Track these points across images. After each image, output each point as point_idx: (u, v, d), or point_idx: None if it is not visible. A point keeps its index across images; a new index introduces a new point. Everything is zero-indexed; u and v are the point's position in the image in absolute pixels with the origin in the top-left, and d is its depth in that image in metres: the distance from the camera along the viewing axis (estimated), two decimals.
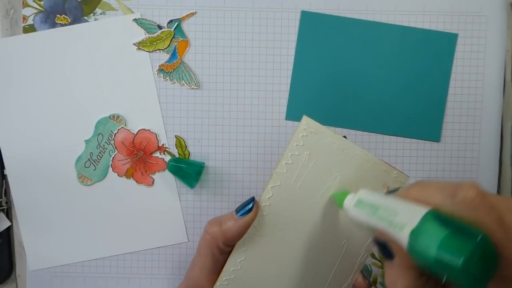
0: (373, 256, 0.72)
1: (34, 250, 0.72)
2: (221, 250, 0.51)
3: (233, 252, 0.51)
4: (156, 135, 0.70)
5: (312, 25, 0.70)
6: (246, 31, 0.71)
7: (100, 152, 0.70)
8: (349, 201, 0.45)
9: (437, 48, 0.70)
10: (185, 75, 0.70)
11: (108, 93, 0.70)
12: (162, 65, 0.70)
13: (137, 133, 0.70)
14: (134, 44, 0.70)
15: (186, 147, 0.71)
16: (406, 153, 0.71)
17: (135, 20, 0.70)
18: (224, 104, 0.71)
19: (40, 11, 0.69)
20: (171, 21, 0.70)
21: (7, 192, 0.72)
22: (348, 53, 0.70)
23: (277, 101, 0.71)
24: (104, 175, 0.71)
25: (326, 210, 0.50)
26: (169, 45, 0.70)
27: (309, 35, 0.70)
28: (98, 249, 0.72)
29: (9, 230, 0.72)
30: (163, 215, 0.72)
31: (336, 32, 0.70)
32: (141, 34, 0.70)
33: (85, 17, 0.70)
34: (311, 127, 0.49)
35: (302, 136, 0.49)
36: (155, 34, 0.70)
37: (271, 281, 0.52)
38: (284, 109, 0.71)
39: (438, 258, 0.30)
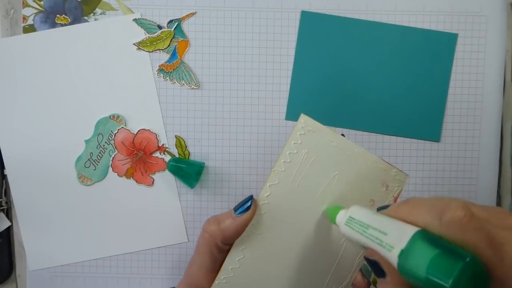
0: None
1: (34, 250, 0.72)
2: (219, 249, 0.51)
3: (231, 250, 0.51)
4: (156, 135, 0.71)
5: (312, 25, 0.70)
6: (246, 31, 0.71)
7: (100, 152, 0.70)
8: (341, 218, 0.45)
9: (437, 48, 0.70)
10: (185, 75, 0.70)
11: (108, 93, 0.70)
12: (162, 65, 0.70)
13: (137, 133, 0.70)
14: (134, 44, 0.70)
15: (186, 147, 0.71)
16: (406, 153, 0.71)
17: (135, 20, 0.70)
18: (224, 104, 0.71)
19: (40, 11, 0.69)
20: (171, 21, 0.70)
21: (7, 192, 0.72)
22: (348, 53, 0.70)
23: (277, 101, 0.71)
24: (104, 175, 0.71)
25: (324, 209, 0.50)
26: (169, 45, 0.70)
27: (309, 35, 0.70)
28: (98, 249, 0.72)
29: (9, 230, 0.72)
30: (163, 215, 0.72)
31: (336, 32, 0.70)
32: (141, 34, 0.70)
33: (85, 17, 0.70)
34: (309, 125, 0.49)
35: (300, 134, 0.49)
36: (155, 34, 0.70)
37: (270, 279, 0.52)
38: (284, 109, 0.71)
39: (428, 279, 0.30)
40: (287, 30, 0.71)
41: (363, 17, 0.70)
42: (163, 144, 0.71)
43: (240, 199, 0.70)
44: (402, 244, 0.33)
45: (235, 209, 0.50)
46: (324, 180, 0.50)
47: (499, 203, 0.72)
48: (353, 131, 0.71)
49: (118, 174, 0.71)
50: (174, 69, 0.70)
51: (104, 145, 0.70)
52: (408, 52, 0.70)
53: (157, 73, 0.70)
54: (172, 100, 0.71)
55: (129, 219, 0.71)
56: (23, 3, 0.69)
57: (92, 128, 0.70)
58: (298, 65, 0.70)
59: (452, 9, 0.70)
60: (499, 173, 0.72)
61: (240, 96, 0.71)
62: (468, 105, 0.71)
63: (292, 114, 0.71)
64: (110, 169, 0.71)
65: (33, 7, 0.69)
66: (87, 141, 0.70)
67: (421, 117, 0.71)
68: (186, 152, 0.71)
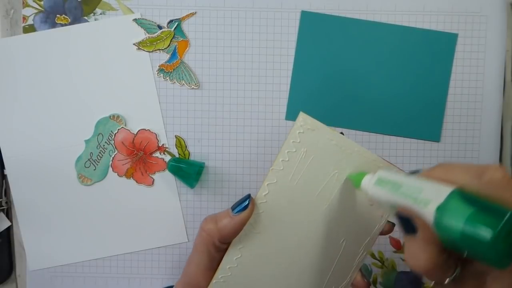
0: (372, 256, 0.72)
1: (34, 250, 0.72)
2: (217, 248, 0.51)
3: (229, 249, 0.51)
4: (156, 135, 0.71)
5: (312, 25, 0.70)
6: (246, 31, 0.71)
7: (100, 152, 0.70)
8: (369, 180, 0.44)
9: (437, 48, 0.70)
10: (185, 75, 0.70)
11: (108, 93, 0.70)
12: (162, 65, 0.70)
13: (137, 133, 0.70)
14: (134, 44, 0.70)
15: (186, 147, 0.71)
16: (406, 153, 0.71)
17: (135, 20, 0.70)
18: (224, 104, 0.71)
19: (40, 11, 0.70)
20: (171, 21, 0.70)
21: (7, 192, 0.72)
22: (348, 53, 0.70)
23: (277, 101, 0.71)
24: (104, 175, 0.71)
25: (324, 208, 0.50)
26: (169, 45, 0.70)
27: (309, 35, 0.70)
28: (98, 249, 0.72)
29: (9, 230, 0.72)
30: (163, 215, 0.72)
31: (336, 32, 0.70)
32: (141, 34, 0.70)
33: (85, 17, 0.70)
34: (308, 124, 0.49)
35: (299, 132, 0.49)
36: (155, 34, 0.70)
37: (268, 278, 0.51)
38: (284, 109, 0.71)
39: (466, 233, 0.30)
40: (287, 30, 0.71)
41: (363, 17, 0.70)
42: (163, 144, 0.71)
43: None
44: (439, 199, 0.33)
45: (233, 208, 0.50)
46: (323, 179, 0.50)
47: None
48: (353, 131, 0.71)
49: (118, 174, 0.71)
50: (174, 69, 0.70)
51: (104, 145, 0.70)
52: (408, 52, 0.70)
53: (157, 73, 0.70)
54: (172, 100, 0.71)
55: (129, 219, 0.71)
56: (23, 3, 0.69)
57: (92, 128, 0.70)
58: (298, 65, 0.70)
59: (452, 9, 0.70)
60: None
61: (240, 96, 0.71)
62: (468, 105, 0.71)
63: (292, 114, 0.71)
64: (110, 169, 0.71)
65: (33, 7, 0.70)
66: (87, 141, 0.70)
67: (421, 117, 0.70)
68: (186, 152, 0.71)
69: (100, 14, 0.70)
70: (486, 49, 0.70)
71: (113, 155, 0.70)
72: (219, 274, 0.51)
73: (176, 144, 0.71)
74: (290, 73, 0.71)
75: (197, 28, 0.70)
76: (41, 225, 0.71)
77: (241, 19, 0.70)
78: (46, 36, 0.70)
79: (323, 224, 0.50)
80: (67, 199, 0.71)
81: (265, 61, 0.71)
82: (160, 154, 0.71)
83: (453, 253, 0.34)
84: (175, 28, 0.70)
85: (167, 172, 0.71)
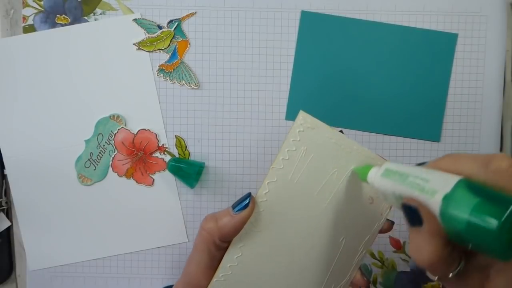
0: (372, 256, 0.72)
1: (34, 250, 0.72)
2: (217, 246, 0.51)
3: (229, 248, 0.51)
4: (156, 135, 0.71)
5: (312, 25, 0.70)
6: (246, 31, 0.71)
7: (100, 152, 0.70)
8: (375, 172, 0.44)
9: (437, 48, 0.70)
10: (185, 75, 0.70)
11: (108, 93, 0.70)
12: (162, 65, 0.70)
13: (137, 133, 0.70)
14: (134, 44, 0.70)
15: (186, 147, 0.71)
16: (406, 153, 0.71)
17: (135, 20, 0.70)
18: (224, 104, 0.71)
19: (40, 11, 0.70)
20: (171, 21, 0.70)
21: (7, 192, 0.72)
22: (348, 53, 0.70)
23: (277, 101, 0.71)
24: (104, 175, 0.71)
25: (324, 206, 0.50)
26: (169, 45, 0.70)
27: (309, 35, 0.70)
28: (98, 249, 0.72)
29: (9, 230, 0.72)
30: (163, 215, 0.72)
31: (336, 32, 0.70)
32: (141, 34, 0.70)
33: (85, 17, 0.70)
34: (308, 122, 0.49)
35: (299, 131, 0.49)
36: (155, 34, 0.70)
37: (268, 277, 0.51)
38: (284, 109, 0.71)
39: (472, 222, 0.30)
40: (287, 30, 0.71)
41: (363, 17, 0.70)
42: (163, 144, 0.71)
43: None
44: (446, 189, 0.33)
45: (233, 207, 0.50)
46: (323, 177, 0.50)
47: None
48: (353, 131, 0.71)
49: (118, 174, 0.71)
50: (174, 69, 0.70)
51: (104, 145, 0.70)
52: (408, 52, 0.70)
53: (157, 73, 0.70)
54: (172, 100, 0.71)
55: (129, 219, 0.71)
56: (23, 3, 0.70)
57: (92, 128, 0.70)
58: (298, 65, 0.70)
59: (452, 9, 0.70)
60: None
61: (240, 96, 0.71)
62: (468, 105, 0.71)
63: (292, 114, 0.71)
64: (110, 169, 0.71)
65: (33, 7, 0.70)
66: (87, 141, 0.70)
67: (421, 117, 0.70)
68: (186, 152, 0.71)
69: (100, 14, 0.70)
70: (486, 49, 0.71)
71: (113, 155, 0.70)
72: (219, 272, 0.51)
73: (176, 144, 0.71)
74: (290, 73, 0.71)
75: (197, 28, 0.70)
76: (41, 225, 0.71)
77: (241, 19, 0.71)
78: (46, 36, 0.70)
79: (323, 222, 0.50)
80: (67, 199, 0.71)
81: (265, 61, 0.71)
82: (160, 154, 0.71)
83: (458, 247, 0.34)
84: (175, 28, 0.70)
85: (167, 172, 0.71)
